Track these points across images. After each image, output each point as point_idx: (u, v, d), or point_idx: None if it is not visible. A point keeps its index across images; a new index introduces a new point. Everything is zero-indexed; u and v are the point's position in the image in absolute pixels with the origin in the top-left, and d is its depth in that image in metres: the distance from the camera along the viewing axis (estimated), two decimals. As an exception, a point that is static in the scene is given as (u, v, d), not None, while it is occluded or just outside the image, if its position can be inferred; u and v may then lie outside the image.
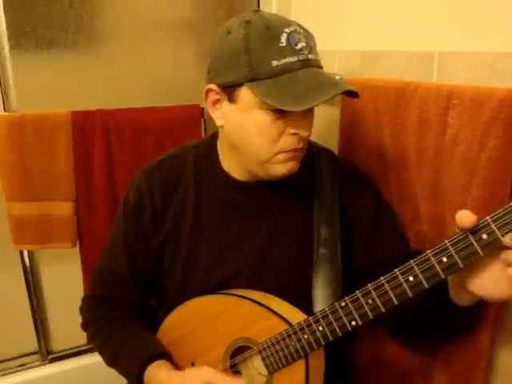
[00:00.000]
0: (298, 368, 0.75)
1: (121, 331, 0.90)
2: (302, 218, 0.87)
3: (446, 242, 0.59)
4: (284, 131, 0.76)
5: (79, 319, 0.96)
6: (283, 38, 0.71)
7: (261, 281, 0.85)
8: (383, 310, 0.65)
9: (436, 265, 0.60)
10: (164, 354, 0.84)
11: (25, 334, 1.42)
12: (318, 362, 0.76)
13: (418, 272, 0.61)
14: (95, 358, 1.43)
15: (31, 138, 1.18)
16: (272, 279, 0.85)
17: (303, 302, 0.79)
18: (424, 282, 0.61)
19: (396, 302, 0.64)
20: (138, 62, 1.32)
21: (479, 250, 0.56)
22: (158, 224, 0.89)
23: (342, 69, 1.09)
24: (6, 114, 1.20)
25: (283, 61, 0.71)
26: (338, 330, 0.70)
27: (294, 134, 0.76)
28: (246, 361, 0.83)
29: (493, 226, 0.55)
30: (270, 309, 0.77)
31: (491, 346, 0.77)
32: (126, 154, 1.26)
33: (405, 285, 0.62)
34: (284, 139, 0.76)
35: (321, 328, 0.71)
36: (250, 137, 0.77)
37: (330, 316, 0.70)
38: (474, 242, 0.56)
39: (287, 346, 0.74)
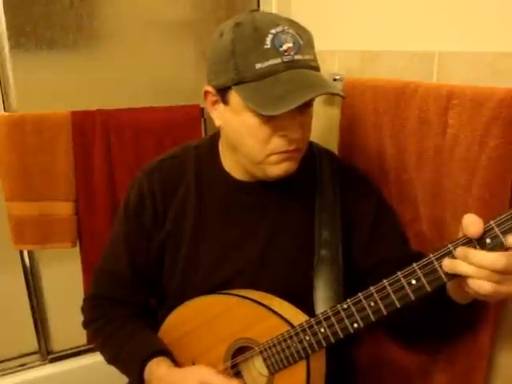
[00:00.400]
0: (299, 369, 0.75)
1: (121, 330, 0.90)
2: (302, 218, 0.87)
3: (450, 246, 0.58)
4: (274, 133, 0.75)
5: (79, 319, 0.96)
6: (268, 40, 0.70)
7: (262, 281, 0.85)
8: (385, 313, 0.65)
9: (439, 268, 0.59)
10: (164, 352, 0.84)
11: (25, 334, 1.42)
12: (319, 363, 0.76)
13: (420, 275, 0.61)
14: (95, 358, 1.44)
15: (31, 138, 1.18)
16: (273, 280, 0.85)
17: (304, 303, 0.79)
18: (427, 285, 0.61)
19: (398, 305, 0.64)
20: (138, 62, 1.32)
21: None
22: (158, 224, 0.89)
23: (341, 69, 1.09)
24: (6, 114, 1.20)
25: (266, 63, 0.70)
26: (339, 332, 0.69)
27: (284, 135, 0.75)
28: (247, 361, 0.83)
29: (497, 230, 0.54)
30: (271, 309, 0.77)
31: (491, 346, 0.77)
32: (125, 154, 1.26)
33: (407, 288, 0.62)
34: (274, 141, 0.75)
35: (322, 330, 0.71)
36: (243, 138, 0.77)
37: (332, 318, 0.70)
38: (478, 248, 0.56)
39: (289, 347, 0.74)
